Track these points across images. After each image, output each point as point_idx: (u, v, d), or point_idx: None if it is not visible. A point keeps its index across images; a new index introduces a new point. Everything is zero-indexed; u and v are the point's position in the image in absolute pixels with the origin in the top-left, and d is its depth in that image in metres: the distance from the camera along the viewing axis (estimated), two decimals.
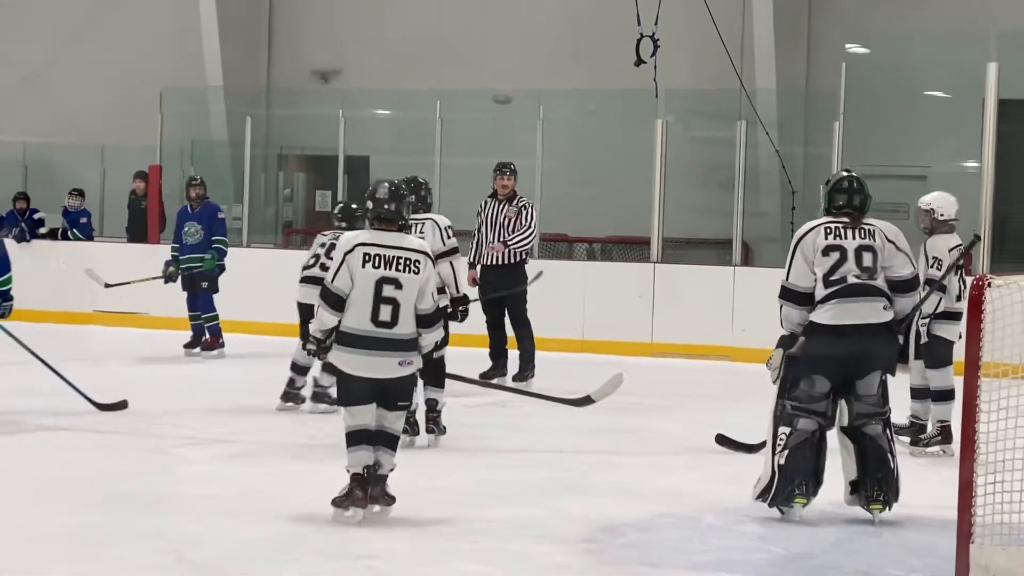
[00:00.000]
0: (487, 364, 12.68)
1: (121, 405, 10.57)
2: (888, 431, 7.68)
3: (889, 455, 7.61)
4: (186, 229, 14.85)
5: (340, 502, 7.31)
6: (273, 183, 21.11)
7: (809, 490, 7.50)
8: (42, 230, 18.91)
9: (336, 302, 7.30)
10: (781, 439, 7.50)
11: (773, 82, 18.41)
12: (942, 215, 9.77)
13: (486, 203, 12.91)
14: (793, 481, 7.46)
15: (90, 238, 18.82)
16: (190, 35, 20.84)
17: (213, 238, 14.79)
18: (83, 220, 18.90)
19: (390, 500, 7.40)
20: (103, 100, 20.91)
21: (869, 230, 7.60)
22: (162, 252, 17.58)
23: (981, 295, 6.33)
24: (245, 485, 8.36)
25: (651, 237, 16.24)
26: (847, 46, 18.52)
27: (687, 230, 14.87)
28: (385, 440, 7.46)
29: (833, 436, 7.73)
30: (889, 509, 7.57)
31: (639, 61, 14.88)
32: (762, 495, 7.57)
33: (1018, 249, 15.13)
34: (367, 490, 7.28)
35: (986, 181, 14.34)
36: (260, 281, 16.80)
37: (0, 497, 7.89)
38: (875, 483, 7.53)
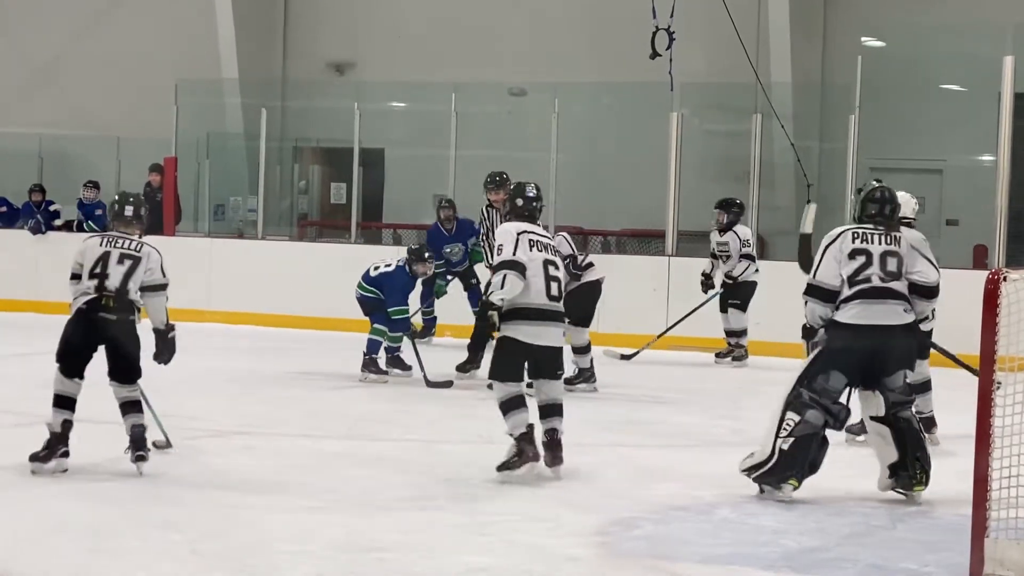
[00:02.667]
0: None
1: (447, 384, 11.96)
2: (913, 412, 8.00)
3: (922, 435, 7.97)
4: (448, 250, 14.59)
5: (514, 463, 8.21)
6: (288, 175, 21.16)
7: (803, 476, 7.77)
8: (58, 222, 18.98)
9: (521, 269, 8.33)
10: (788, 425, 7.74)
11: (788, 75, 18.41)
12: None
13: (487, 212, 12.86)
14: (792, 468, 7.73)
15: (105, 230, 18.80)
16: (205, 27, 20.88)
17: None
18: (98, 212, 18.89)
19: (562, 458, 8.39)
20: (118, 92, 20.97)
21: (895, 237, 7.92)
22: (176, 245, 17.67)
23: (996, 289, 6.33)
24: (258, 478, 8.38)
25: (666, 230, 16.26)
26: (863, 39, 18.53)
27: (702, 223, 14.83)
28: (559, 410, 8.46)
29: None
30: (924, 485, 7.82)
31: (654, 54, 14.87)
32: (752, 470, 7.85)
33: None
34: (535, 446, 8.24)
35: (1002, 175, 14.33)
36: (275, 274, 16.87)
37: (15, 488, 7.93)
38: (916, 463, 7.81)
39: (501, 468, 8.22)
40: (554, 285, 8.40)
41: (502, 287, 8.28)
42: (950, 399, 9.28)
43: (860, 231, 7.88)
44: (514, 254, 8.31)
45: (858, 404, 8.10)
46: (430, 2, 20.68)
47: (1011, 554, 6.28)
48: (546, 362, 8.48)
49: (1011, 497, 6.35)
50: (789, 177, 17.33)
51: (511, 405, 8.32)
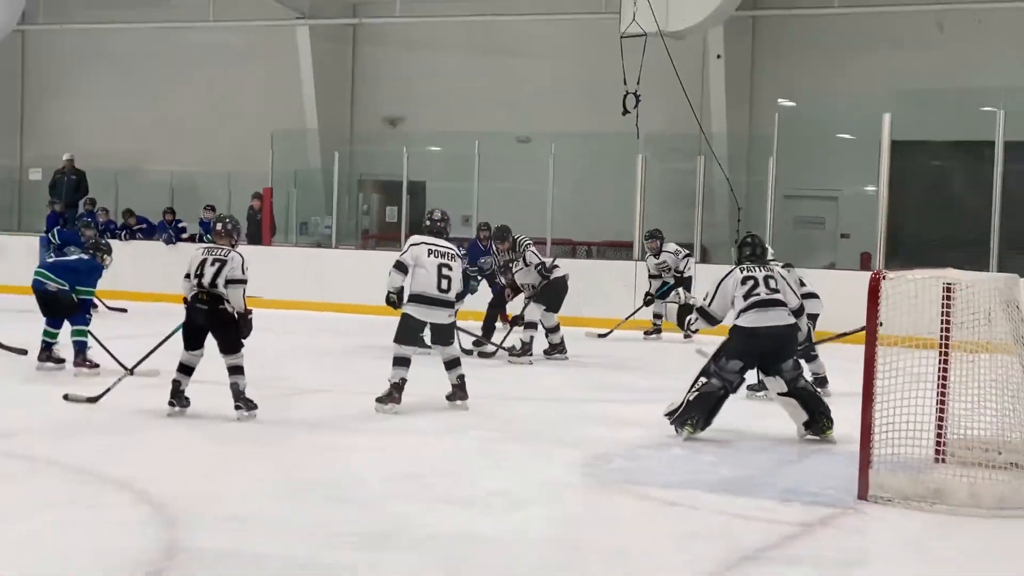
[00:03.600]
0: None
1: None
2: (806, 380, 8.10)
3: (818, 393, 8.12)
4: (482, 261, 13.42)
5: (384, 399, 8.66)
6: (354, 201, 21.14)
7: (698, 425, 7.88)
8: (184, 236, 19.01)
9: (403, 269, 8.82)
10: (698, 384, 7.91)
11: (724, 127, 18.40)
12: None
13: (496, 251, 12.70)
14: (691, 414, 7.87)
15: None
16: (293, 91, 20.89)
17: None
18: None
19: (467, 396, 8.98)
20: (230, 139, 20.98)
21: (770, 269, 8.17)
22: (272, 253, 17.68)
23: (878, 286, 6.37)
24: (335, 426, 8.36)
25: (633, 242, 16.26)
26: (779, 100, 18.51)
27: None
28: (454, 362, 9.01)
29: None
30: (831, 429, 7.91)
31: (625, 111, 14.94)
32: (669, 414, 7.97)
33: (905, 252, 15.13)
34: (400, 395, 8.66)
35: (882, 201, 14.33)
36: (344, 273, 16.94)
37: (148, 430, 7.92)
38: (821, 416, 7.94)
39: (377, 400, 8.66)
40: (444, 281, 8.79)
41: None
42: (844, 368, 9.28)
43: (745, 267, 8.09)
44: (401, 257, 8.87)
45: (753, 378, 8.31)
46: (460, 73, 20.64)
47: (888, 481, 6.31)
48: (437, 333, 8.99)
49: (887, 439, 6.39)
50: (724, 203, 17.32)
51: (399, 362, 8.74)
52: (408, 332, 8.83)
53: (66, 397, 8.64)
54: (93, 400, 8.54)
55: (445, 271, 8.80)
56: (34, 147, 23.20)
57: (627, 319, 14.44)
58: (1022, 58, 17.37)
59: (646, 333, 14.52)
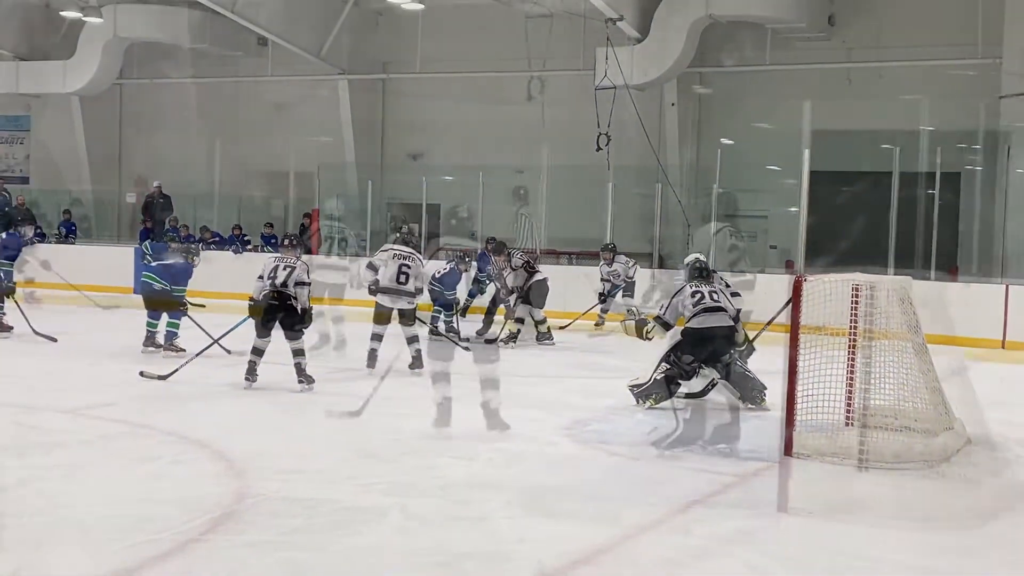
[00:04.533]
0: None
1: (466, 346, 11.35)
2: (739, 364, 8.07)
3: (747, 373, 8.05)
4: (489, 268, 13.04)
5: (367, 363, 9.09)
6: (384, 220, 21.13)
7: (660, 399, 7.90)
8: (249, 247, 19.01)
9: (373, 268, 9.22)
10: (663, 368, 7.94)
11: (677, 160, 18.40)
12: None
13: (493, 262, 12.61)
14: (655, 390, 7.91)
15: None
16: (335, 133, 20.91)
17: None
18: (273, 241, 18.94)
19: (422, 365, 9.15)
20: (285, 169, 20.99)
21: (713, 286, 8.18)
22: (319, 261, 17.61)
23: (800, 286, 6.40)
24: (370, 395, 8.37)
25: None
26: (721, 139, 18.53)
27: (626, 246, 14.89)
28: (414, 339, 9.22)
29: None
30: (764, 400, 7.87)
31: (599, 148, 14.97)
32: (636, 387, 8.01)
33: (821, 260, 15.12)
34: (374, 362, 9.13)
35: (802, 219, 14.33)
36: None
37: (227, 396, 7.90)
38: (751, 391, 7.96)
39: (367, 365, 9.11)
40: (403, 276, 9.14)
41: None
42: (773, 351, 9.28)
43: (693, 284, 8.11)
44: (371, 259, 9.33)
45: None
46: (468, 117, 20.56)
47: (807, 441, 6.34)
48: (401, 317, 9.21)
49: (807, 408, 6.42)
50: (677, 221, 17.31)
51: (373, 338, 9.21)
52: (380, 317, 9.26)
53: (142, 374, 8.67)
54: (163, 377, 8.56)
55: (404, 268, 9.18)
56: (130, 176, 23.21)
57: (584, 313, 14.41)
58: (913, 106, 17.41)
59: (596, 324, 14.41)
